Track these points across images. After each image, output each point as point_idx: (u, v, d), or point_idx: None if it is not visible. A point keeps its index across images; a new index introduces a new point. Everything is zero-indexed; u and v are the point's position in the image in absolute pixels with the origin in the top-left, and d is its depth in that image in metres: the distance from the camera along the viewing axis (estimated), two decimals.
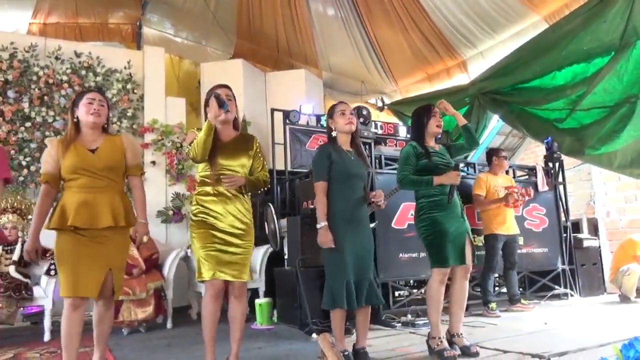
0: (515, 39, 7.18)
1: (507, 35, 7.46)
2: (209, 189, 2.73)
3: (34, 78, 5.75)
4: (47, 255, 4.06)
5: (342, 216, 2.89)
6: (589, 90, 5.40)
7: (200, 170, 2.79)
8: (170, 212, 6.10)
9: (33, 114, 5.65)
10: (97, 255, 2.50)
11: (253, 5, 8.15)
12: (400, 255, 4.65)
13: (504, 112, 6.70)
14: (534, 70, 5.94)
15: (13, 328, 4.51)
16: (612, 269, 5.54)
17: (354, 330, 3.17)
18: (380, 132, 6.31)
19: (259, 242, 4.10)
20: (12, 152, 5.48)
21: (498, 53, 7.35)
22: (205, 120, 2.76)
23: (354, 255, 2.88)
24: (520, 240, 5.21)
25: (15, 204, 4.67)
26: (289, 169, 5.92)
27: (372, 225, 4.22)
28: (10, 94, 5.58)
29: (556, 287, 5.66)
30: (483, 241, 5.09)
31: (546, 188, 5.84)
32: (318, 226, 2.86)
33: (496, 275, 5.18)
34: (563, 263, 5.78)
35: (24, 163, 5.50)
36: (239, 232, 2.72)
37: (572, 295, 5.67)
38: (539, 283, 5.63)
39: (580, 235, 6.34)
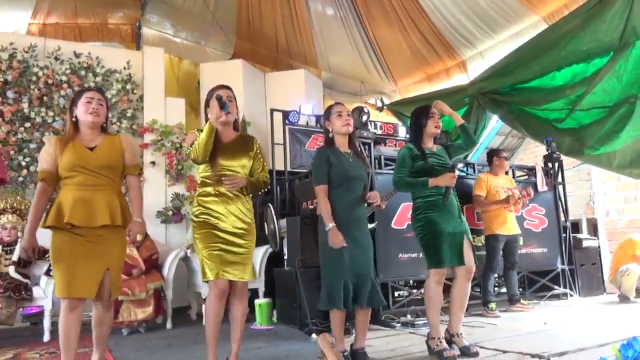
0: (514, 39, 7.18)
1: (507, 36, 7.46)
2: (210, 189, 2.73)
3: (34, 78, 5.75)
4: (47, 255, 4.05)
5: (341, 217, 2.88)
6: (588, 90, 5.41)
7: (201, 171, 2.79)
8: (170, 213, 6.10)
9: (32, 115, 5.65)
10: (94, 255, 2.48)
11: (252, 5, 8.15)
12: (400, 255, 4.65)
13: (504, 112, 6.71)
14: (534, 70, 5.94)
15: (13, 328, 4.51)
16: (611, 269, 5.55)
17: (354, 331, 3.17)
18: (379, 132, 6.31)
19: (258, 242, 4.08)
20: (12, 152, 5.48)
21: (497, 53, 7.35)
22: (205, 121, 2.77)
23: (353, 256, 2.88)
24: (520, 241, 5.22)
25: (15, 205, 4.67)
26: (288, 169, 5.92)
27: (372, 225, 4.24)
28: (10, 94, 5.59)
29: (555, 287, 5.66)
30: (483, 241, 5.09)
31: (545, 188, 5.85)
32: (327, 228, 2.84)
33: (496, 275, 5.18)
34: (562, 263, 5.78)
35: (23, 163, 5.50)
36: (241, 232, 2.73)
37: (571, 295, 5.67)
38: (539, 283, 5.63)
39: (579, 236, 6.34)
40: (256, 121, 7.03)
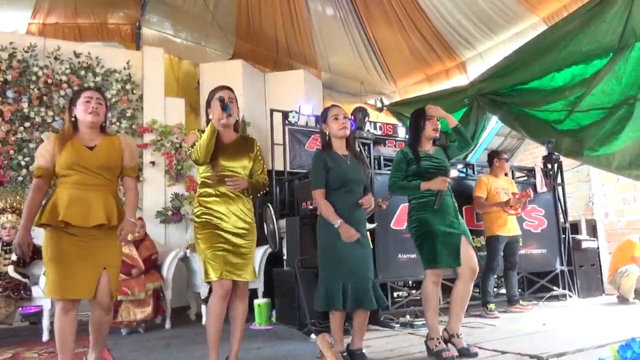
0: (514, 40, 7.19)
1: (506, 37, 7.47)
2: (211, 190, 2.73)
3: (33, 78, 5.76)
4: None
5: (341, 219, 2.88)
6: (587, 91, 5.41)
7: (201, 172, 2.79)
8: (169, 213, 6.11)
9: (32, 114, 5.66)
10: (89, 255, 2.44)
11: (252, 5, 8.16)
12: (399, 256, 4.66)
13: (503, 113, 6.71)
14: (533, 71, 5.94)
15: (12, 328, 4.51)
16: (610, 270, 5.55)
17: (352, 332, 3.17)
18: (379, 132, 6.31)
19: (258, 242, 4.09)
20: (11, 152, 5.48)
21: (497, 54, 7.36)
22: (206, 121, 2.78)
23: (353, 258, 2.87)
24: (520, 241, 5.22)
25: (15, 204, 4.67)
26: (288, 169, 5.92)
27: (372, 226, 4.24)
28: (10, 94, 5.59)
29: (555, 288, 5.67)
30: (484, 242, 5.10)
31: (545, 189, 5.85)
32: (336, 226, 2.83)
33: (495, 276, 5.19)
34: (561, 264, 5.79)
35: (23, 163, 5.50)
36: (243, 231, 2.74)
37: (570, 296, 5.67)
38: (538, 284, 5.63)
39: (578, 237, 6.35)
40: (256, 121, 7.03)
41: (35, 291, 4.18)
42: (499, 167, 5.12)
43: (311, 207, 4.42)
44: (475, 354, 2.97)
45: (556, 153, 6.08)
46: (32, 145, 5.57)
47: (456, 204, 3.24)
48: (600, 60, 5.35)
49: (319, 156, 3.01)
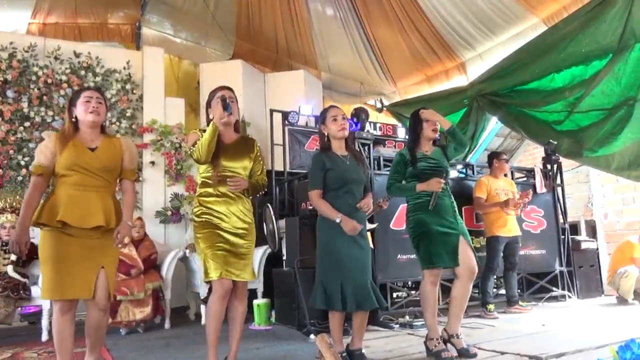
0: (513, 41, 7.20)
1: (506, 38, 7.48)
2: (211, 190, 2.73)
3: (33, 78, 5.76)
4: None
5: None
6: (587, 92, 5.42)
7: (202, 172, 2.79)
8: (169, 213, 6.11)
9: (32, 114, 5.66)
10: (86, 256, 2.41)
11: (252, 5, 8.16)
12: (399, 256, 4.66)
13: (503, 114, 6.72)
14: (533, 72, 5.95)
15: (11, 328, 4.51)
16: (609, 271, 5.56)
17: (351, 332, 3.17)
18: (379, 133, 6.32)
19: (257, 242, 4.08)
20: (11, 151, 5.48)
21: (497, 55, 7.36)
22: (207, 122, 2.79)
23: (352, 259, 2.87)
24: (520, 242, 5.22)
25: (14, 204, 4.67)
26: (287, 169, 5.92)
27: (373, 226, 4.24)
28: (10, 93, 5.59)
29: (554, 288, 5.67)
30: (484, 243, 5.10)
31: (544, 190, 5.86)
32: (337, 220, 2.84)
33: (495, 276, 5.19)
34: (561, 265, 5.79)
35: (22, 163, 5.50)
36: (242, 232, 2.74)
37: (569, 297, 5.68)
38: (537, 285, 5.64)
39: (578, 237, 6.36)
40: (256, 122, 7.03)
41: (35, 291, 4.18)
42: (498, 168, 5.13)
43: (311, 207, 4.42)
44: (475, 355, 2.98)
45: (556, 154, 6.09)
46: (31, 145, 5.56)
47: (455, 204, 3.24)
48: (600, 61, 5.36)
49: (317, 157, 3.01)
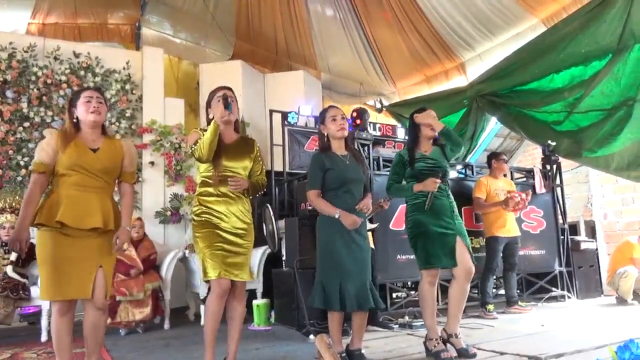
0: (513, 41, 7.20)
1: (505, 38, 7.48)
2: (211, 189, 2.73)
3: (33, 78, 5.76)
4: None
5: (338, 220, 2.87)
6: (586, 92, 5.43)
7: (202, 171, 2.79)
8: (169, 213, 6.10)
9: (32, 114, 5.65)
10: (85, 255, 2.40)
11: (252, 6, 8.16)
12: (398, 256, 4.66)
13: (502, 115, 6.72)
14: (532, 72, 5.96)
15: (10, 328, 4.51)
16: (609, 272, 5.56)
17: (352, 332, 3.17)
18: (378, 133, 6.32)
19: (257, 243, 4.08)
20: (10, 152, 5.48)
21: (496, 55, 7.37)
22: (207, 122, 2.79)
23: (352, 259, 2.88)
24: (519, 242, 5.23)
25: (14, 204, 4.67)
26: (287, 170, 5.92)
27: (373, 226, 4.24)
28: (9, 94, 5.59)
29: (553, 289, 5.67)
30: (483, 243, 5.11)
31: (544, 190, 5.87)
32: (336, 216, 2.85)
33: (494, 277, 5.19)
34: (560, 265, 5.79)
35: (22, 163, 5.50)
36: (241, 232, 2.75)
37: (569, 297, 5.68)
38: (536, 285, 5.64)
39: (577, 238, 6.36)
40: (255, 122, 7.04)
41: (34, 291, 4.18)
42: (497, 168, 5.14)
43: (310, 207, 4.42)
44: (474, 355, 2.98)
45: (555, 154, 6.09)
46: (31, 146, 5.56)
47: (455, 205, 3.23)
48: (599, 62, 5.36)
49: (316, 157, 3.02)
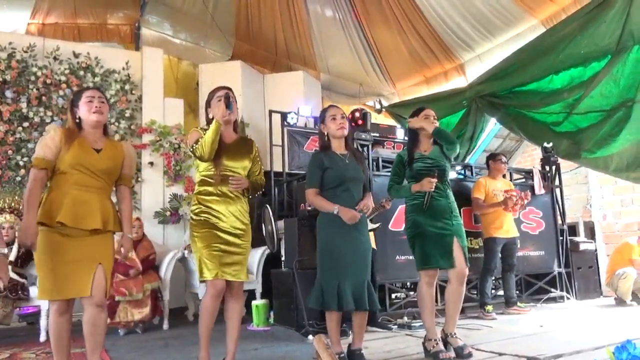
0: (512, 42, 7.21)
1: (505, 39, 7.49)
2: (211, 188, 2.74)
3: (32, 78, 5.75)
4: None
5: (338, 219, 2.87)
6: (585, 93, 5.43)
7: (202, 170, 2.79)
8: (168, 213, 6.10)
9: (31, 114, 5.65)
10: (83, 254, 2.38)
11: (252, 7, 8.16)
12: (397, 257, 4.67)
13: (501, 115, 6.73)
14: (531, 73, 5.97)
15: (9, 328, 4.51)
16: (608, 272, 5.56)
17: (351, 332, 3.18)
18: (377, 134, 6.31)
19: (256, 243, 4.08)
20: (10, 152, 5.48)
21: (496, 56, 7.37)
22: (206, 122, 2.81)
23: (350, 255, 2.88)
24: (518, 243, 5.23)
25: (13, 204, 4.66)
26: (286, 170, 5.92)
27: (375, 226, 4.24)
28: (8, 94, 5.58)
29: (552, 290, 5.68)
30: (482, 244, 5.11)
31: (543, 191, 5.87)
32: (335, 211, 2.85)
33: (493, 278, 5.19)
34: (559, 266, 5.80)
35: (21, 163, 5.49)
36: (240, 232, 2.75)
37: (568, 298, 5.69)
38: (535, 286, 5.64)
39: (576, 239, 6.36)
40: (255, 122, 7.03)
41: (33, 291, 4.17)
42: (495, 169, 5.14)
43: (309, 208, 4.42)
44: (470, 354, 2.98)
45: (554, 155, 6.10)
46: (30, 146, 5.56)
47: (454, 205, 3.22)
48: (599, 63, 5.37)
49: (316, 156, 3.03)
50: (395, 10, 7.96)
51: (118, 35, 7.35)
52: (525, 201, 5.02)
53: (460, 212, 3.28)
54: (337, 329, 2.95)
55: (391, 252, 4.63)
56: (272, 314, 4.66)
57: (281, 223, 4.82)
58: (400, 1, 7.79)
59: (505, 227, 4.95)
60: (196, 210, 2.74)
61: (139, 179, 6.08)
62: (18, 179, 5.43)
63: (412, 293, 4.84)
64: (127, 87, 6.30)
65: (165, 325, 4.66)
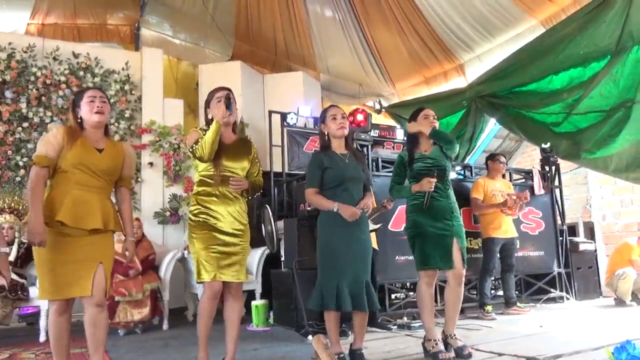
0: (512, 42, 7.21)
1: (505, 39, 7.49)
2: (210, 189, 2.74)
3: (32, 78, 5.76)
4: None
5: (339, 219, 2.87)
6: (585, 94, 5.43)
7: (201, 170, 2.79)
8: (167, 214, 6.10)
9: (31, 115, 5.65)
10: (83, 254, 2.38)
11: (251, 7, 8.16)
12: (397, 257, 4.67)
13: (501, 116, 6.73)
14: (531, 74, 5.97)
15: (9, 329, 4.51)
16: (607, 273, 5.57)
17: (350, 332, 3.18)
18: (377, 134, 6.31)
19: (255, 243, 4.08)
20: (9, 152, 5.48)
21: (495, 57, 7.37)
22: (206, 122, 2.81)
23: (350, 254, 2.88)
24: (517, 244, 5.23)
25: (13, 204, 4.66)
26: (286, 170, 5.92)
27: (376, 227, 4.24)
28: (8, 94, 5.59)
29: (552, 290, 5.68)
30: (481, 244, 5.11)
31: (542, 191, 5.87)
32: (335, 209, 2.85)
33: (493, 278, 5.20)
34: (559, 266, 5.80)
35: (21, 163, 5.49)
36: (238, 232, 2.75)
37: (567, 298, 5.69)
38: (535, 286, 5.65)
39: (576, 239, 6.37)
40: (254, 123, 7.04)
41: (33, 292, 4.17)
42: (494, 169, 5.15)
43: (309, 208, 4.42)
44: (469, 355, 2.98)
45: (554, 155, 6.10)
46: (30, 146, 5.56)
47: (455, 206, 3.22)
48: (598, 63, 5.37)
49: (316, 156, 3.03)
50: (395, 11, 7.97)
51: (118, 35, 7.35)
52: (525, 201, 5.02)
53: (453, 212, 3.28)
54: (336, 329, 2.95)
55: (391, 252, 4.63)
56: (271, 314, 4.66)
57: (281, 223, 4.82)
58: (399, 1, 7.80)
59: (504, 228, 4.95)
60: (195, 211, 2.74)
61: (139, 179, 6.08)
62: (18, 179, 5.44)
63: (411, 293, 4.84)
64: (126, 87, 6.30)
65: (165, 326, 4.66)
